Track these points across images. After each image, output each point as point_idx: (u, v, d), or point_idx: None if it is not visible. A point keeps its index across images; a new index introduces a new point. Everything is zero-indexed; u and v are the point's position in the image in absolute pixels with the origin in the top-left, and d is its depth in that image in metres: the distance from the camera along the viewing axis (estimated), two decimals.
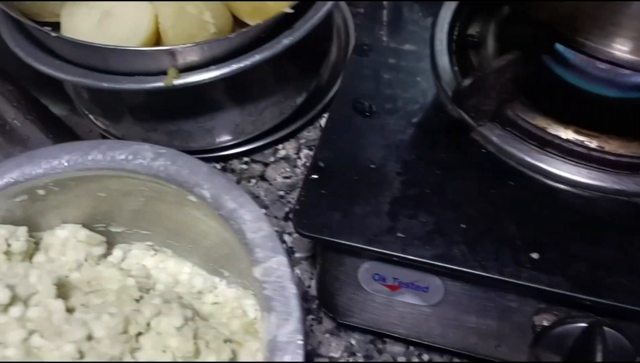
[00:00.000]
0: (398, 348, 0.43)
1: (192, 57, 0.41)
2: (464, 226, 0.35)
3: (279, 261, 0.29)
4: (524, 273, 0.33)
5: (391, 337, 0.43)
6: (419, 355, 0.43)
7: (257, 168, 0.54)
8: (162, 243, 0.42)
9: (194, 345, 0.33)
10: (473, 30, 0.44)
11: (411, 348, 0.43)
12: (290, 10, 0.42)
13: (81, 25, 0.43)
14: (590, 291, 0.32)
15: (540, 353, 0.35)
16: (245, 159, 0.54)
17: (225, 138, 0.51)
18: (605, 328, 0.32)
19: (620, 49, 0.31)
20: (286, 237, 0.49)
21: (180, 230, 0.40)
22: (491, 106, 0.37)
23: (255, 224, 0.31)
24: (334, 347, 0.44)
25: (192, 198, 0.33)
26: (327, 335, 0.44)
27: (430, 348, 0.43)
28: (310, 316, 0.45)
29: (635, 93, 0.38)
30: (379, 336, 0.44)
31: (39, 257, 0.36)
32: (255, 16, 0.45)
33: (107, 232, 0.41)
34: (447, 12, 0.45)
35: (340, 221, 0.35)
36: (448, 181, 0.37)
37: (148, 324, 0.34)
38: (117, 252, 0.42)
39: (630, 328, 0.33)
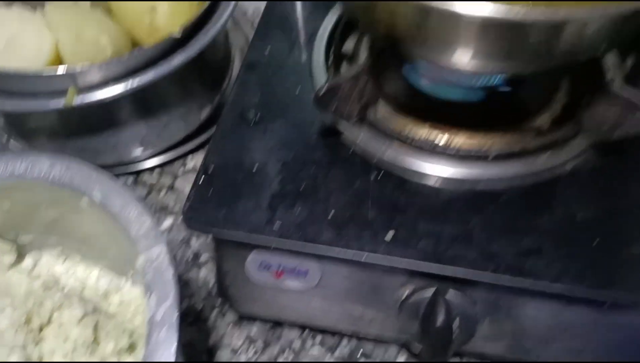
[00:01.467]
0: (294, 333, 0.48)
1: (91, 78, 0.45)
2: (331, 213, 0.40)
3: (159, 250, 0.34)
4: (380, 249, 0.38)
5: (288, 323, 0.48)
6: (313, 338, 0.48)
7: (167, 179, 0.58)
8: (73, 250, 0.45)
9: (93, 333, 0.37)
10: (349, 44, 0.50)
11: (305, 332, 0.48)
12: (178, 36, 0.46)
13: None
14: (435, 260, 0.37)
15: (403, 323, 0.40)
16: (156, 171, 0.58)
17: (134, 152, 0.55)
18: (452, 292, 0.38)
19: (459, 58, 0.37)
20: (193, 241, 0.53)
21: (88, 239, 0.44)
22: (354, 110, 0.43)
23: (139, 219, 0.35)
24: (236, 337, 0.48)
25: (85, 202, 0.37)
26: (230, 327, 0.48)
27: (323, 331, 0.48)
28: (215, 311, 0.49)
29: (475, 94, 0.44)
30: (277, 324, 0.48)
31: None
32: (150, 38, 0.49)
33: (18, 241, 0.44)
34: (325, 29, 0.51)
35: (225, 216, 0.40)
36: (320, 177, 0.42)
37: (50, 317, 0.37)
38: (28, 260, 0.45)
39: (475, 292, 0.39)
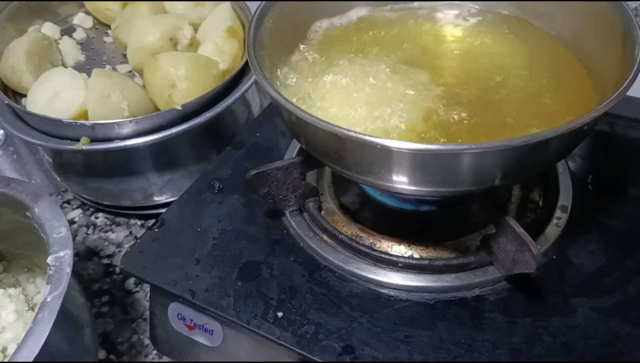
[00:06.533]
0: None
1: (103, 132, 0.55)
2: (240, 283, 0.44)
3: (66, 253, 0.41)
4: (264, 325, 0.41)
5: None
6: None
7: None
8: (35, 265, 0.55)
9: None
10: None
11: None
12: (179, 108, 0.55)
13: (39, 100, 0.58)
14: (306, 349, 0.40)
15: None
16: None
17: (141, 199, 0.64)
18: None
19: (399, 181, 0.40)
20: None
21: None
22: (289, 198, 0.47)
23: (58, 229, 0.43)
24: None
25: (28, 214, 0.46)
26: None
27: None
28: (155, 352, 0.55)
29: (412, 206, 0.47)
30: None
31: None
32: (167, 106, 0.58)
33: None
34: None
35: (157, 266, 0.46)
36: (247, 250, 0.47)
37: None
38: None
39: None
